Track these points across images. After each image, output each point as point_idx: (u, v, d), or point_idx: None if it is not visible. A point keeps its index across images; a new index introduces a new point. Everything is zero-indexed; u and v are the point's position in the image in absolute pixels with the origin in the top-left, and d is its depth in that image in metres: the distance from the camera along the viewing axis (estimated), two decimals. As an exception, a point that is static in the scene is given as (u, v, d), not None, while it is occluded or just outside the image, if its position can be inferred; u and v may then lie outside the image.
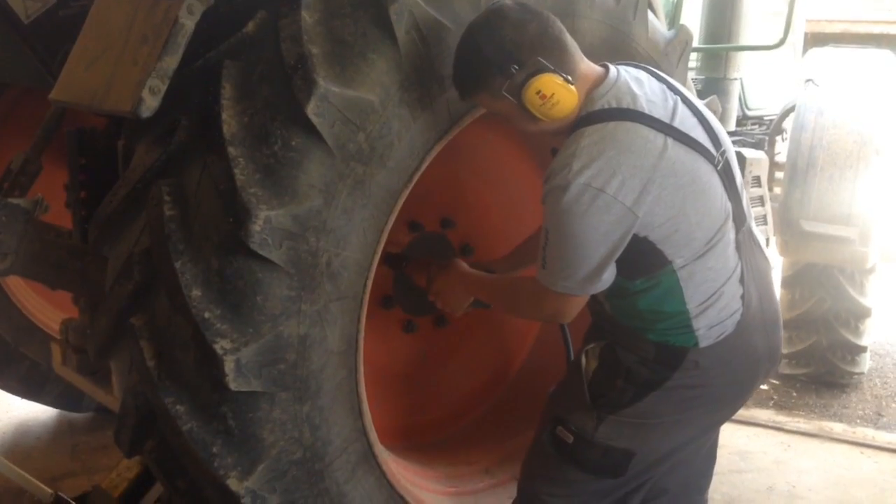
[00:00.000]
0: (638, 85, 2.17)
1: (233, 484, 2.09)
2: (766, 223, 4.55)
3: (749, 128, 5.57)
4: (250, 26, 2.15)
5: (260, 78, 2.09)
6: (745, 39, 5.03)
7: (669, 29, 2.98)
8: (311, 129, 2.03)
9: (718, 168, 2.22)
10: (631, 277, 2.20)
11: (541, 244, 2.17)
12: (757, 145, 5.32)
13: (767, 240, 4.53)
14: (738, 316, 2.25)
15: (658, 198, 2.07)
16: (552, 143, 2.29)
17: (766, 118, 5.68)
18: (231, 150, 2.02)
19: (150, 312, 2.16)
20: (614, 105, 2.12)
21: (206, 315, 2.02)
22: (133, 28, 2.18)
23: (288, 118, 2.03)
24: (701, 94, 3.19)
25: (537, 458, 2.48)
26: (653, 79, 2.25)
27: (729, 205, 2.23)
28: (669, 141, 2.10)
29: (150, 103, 2.07)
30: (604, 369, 2.32)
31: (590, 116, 2.13)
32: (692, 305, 2.20)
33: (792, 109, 5.23)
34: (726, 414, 2.44)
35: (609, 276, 2.16)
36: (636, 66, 2.28)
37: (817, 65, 5.34)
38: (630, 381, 2.26)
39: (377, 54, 2.12)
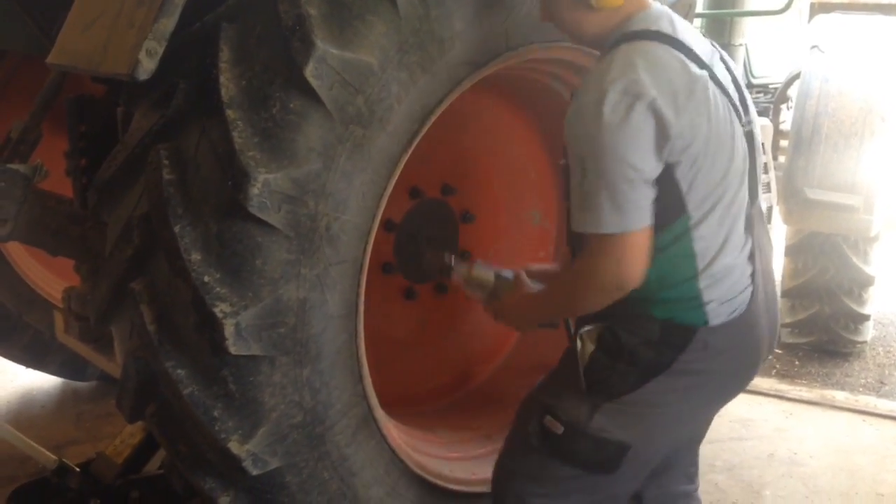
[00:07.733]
0: (679, 22, 2.11)
1: (234, 447, 2.10)
2: (769, 191, 4.52)
3: (754, 95, 5.52)
4: (248, -12, 2.13)
5: (258, 40, 2.07)
6: (749, 5, 4.98)
7: (673, -8, 2.94)
8: (309, 92, 2.01)
9: (745, 131, 2.15)
10: None
11: (575, 182, 2.01)
12: (762, 113, 5.28)
13: (770, 208, 4.51)
14: (747, 294, 2.15)
15: (691, 121, 1.97)
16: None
17: (771, 86, 5.64)
18: (229, 114, 2.01)
19: (150, 277, 2.16)
20: (654, 28, 2.06)
21: (206, 279, 2.01)
22: (129, -10, 2.16)
23: (286, 81, 2.01)
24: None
25: (519, 453, 2.29)
26: (696, 30, 2.19)
27: (747, 173, 2.15)
28: (707, 75, 2.03)
29: (147, 66, 2.05)
30: (603, 353, 2.14)
31: (627, 35, 2.06)
32: (703, 274, 2.07)
33: (797, 77, 5.19)
34: (719, 406, 2.34)
35: (651, 203, 1.99)
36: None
37: (823, 31, 5.28)
38: (634, 364, 2.10)
39: (376, 16, 2.10)
